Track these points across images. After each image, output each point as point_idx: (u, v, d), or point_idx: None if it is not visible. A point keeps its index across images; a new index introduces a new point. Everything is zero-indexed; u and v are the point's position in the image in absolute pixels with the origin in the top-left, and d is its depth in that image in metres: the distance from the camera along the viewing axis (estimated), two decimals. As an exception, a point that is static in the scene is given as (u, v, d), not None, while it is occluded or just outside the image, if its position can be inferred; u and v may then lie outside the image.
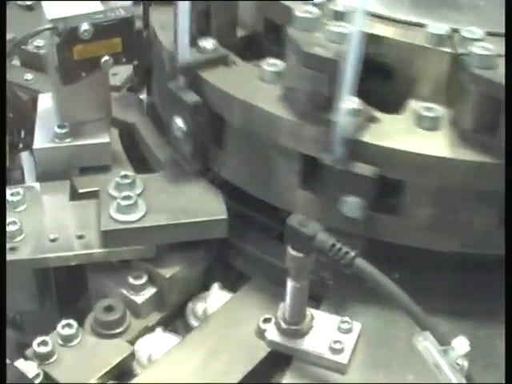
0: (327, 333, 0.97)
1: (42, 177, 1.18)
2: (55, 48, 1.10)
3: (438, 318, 0.91)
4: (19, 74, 1.41)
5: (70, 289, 1.16)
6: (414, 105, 1.00)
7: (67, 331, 1.00)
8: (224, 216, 1.06)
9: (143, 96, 1.36)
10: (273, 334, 0.97)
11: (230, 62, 1.08)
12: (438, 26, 1.01)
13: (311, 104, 0.97)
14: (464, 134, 0.96)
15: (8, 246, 1.06)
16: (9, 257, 1.05)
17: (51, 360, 0.99)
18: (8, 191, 1.13)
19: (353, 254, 0.86)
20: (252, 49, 1.16)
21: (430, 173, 0.95)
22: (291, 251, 0.89)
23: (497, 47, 0.95)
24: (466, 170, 0.94)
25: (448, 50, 0.99)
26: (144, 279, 1.07)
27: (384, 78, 1.05)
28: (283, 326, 0.96)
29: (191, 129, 1.06)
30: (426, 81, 1.02)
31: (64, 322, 1.01)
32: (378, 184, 0.96)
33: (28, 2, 1.76)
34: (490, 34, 1.00)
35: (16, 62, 1.49)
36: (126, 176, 1.09)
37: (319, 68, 0.94)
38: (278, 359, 1.00)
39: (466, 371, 0.81)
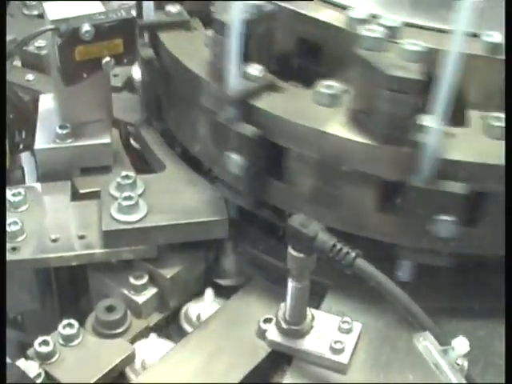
0: (328, 333, 0.97)
1: (43, 177, 1.19)
2: (57, 49, 1.10)
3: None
4: (20, 75, 1.41)
5: (70, 288, 1.17)
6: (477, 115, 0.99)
7: (68, 331, 1.00)
8: (225, 216, 1.06)
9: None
10: (273, 334, 0.97)
11: (279, 87, 1.03)
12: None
13: (390, 126, 0.93)
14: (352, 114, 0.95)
15: (9, 245, 1.07)
16: (10, 257, 1.05)
17: (52, 360, 0.99)
18: (9, 191, 1.14)
19: (353, 254, 0.86)
20: (287, 70, 1.10)
21: None
22: (292, 251, 0.89)
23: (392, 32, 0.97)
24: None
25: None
26: (145, 279, 1.07)
27: (312, 57, 1.07)
28: (284, 326, 0.96)
29: (250, 163, 1.00)
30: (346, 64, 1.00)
31: (65, 321, 1.01)
32: (467, 199, 0.93)
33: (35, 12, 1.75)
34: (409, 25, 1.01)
35: (17, 62, 1.48)
36: (127, 176, 1.09)
37: (404, 89, 0.90)
38: (279, 359, 1.00)
39: (465, 371, 0.82)
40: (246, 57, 0.99)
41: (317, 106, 0.99)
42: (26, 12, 1.80)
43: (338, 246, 0.87)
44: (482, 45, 0.99)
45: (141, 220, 1.05)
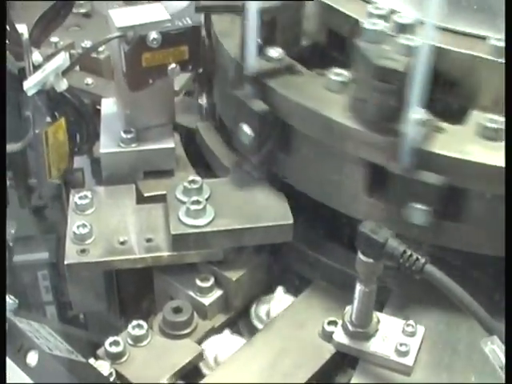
0: (392, 335, 0.99)
1: (107, 180, 1.21)
2: (123, 55, 1.12)
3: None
4: (79, 79, 1.44)
5: (133, 289, 1.19)
6: (477, 116, 1.02)
7: (138, 332, 1.03)
8: (290, 221, 1.09)
9: (202, 101, 1.38)
10: (340, 336, 1.00)
11: (296, 71, 1.10)
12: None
13: (379, 114, 0.99)
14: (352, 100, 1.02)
15: (78, 248, 1.09)
16: (79, 259, 1.08)
17: (122, 360, 1.01)
18: (76, 195, 1.16)
19: (423, 260, 0.88)
20: (315, 58, 1.18)
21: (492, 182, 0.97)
22: (362, 257, 0.92)
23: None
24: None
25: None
26: (211, 281, 1.09)
27: (446, 89, 1.07)
28: (350, 328, 0.99)
29: (259, 136, 1.08)
30: (486, 92, 1.04)
31: (135, 322, 1.04)
32: (443, 192, 0.97)
33: (82, 10, 1.79)
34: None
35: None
36: (193, 181, 1.12)
37: (389, 80, 0.95)
38: (342, 361, 1.02)
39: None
40: (272, 41, 1.11)
41: (325, 90, 1.06)
42: (74, 10, 1.82)
43: (408, 252, 0.89)
44: (490, 48, 1.03)
45: (208, 224, 1.07)
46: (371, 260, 0.91)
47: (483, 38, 1.05)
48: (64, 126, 1.21)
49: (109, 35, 1.15)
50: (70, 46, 1.50)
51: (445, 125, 1.01)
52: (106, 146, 1.20)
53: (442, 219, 1.00)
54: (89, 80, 1.44)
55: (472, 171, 0.96)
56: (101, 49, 1.48)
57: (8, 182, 1.32)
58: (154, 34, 1.10)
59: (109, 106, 1.29)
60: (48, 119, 1.20)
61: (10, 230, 1.34)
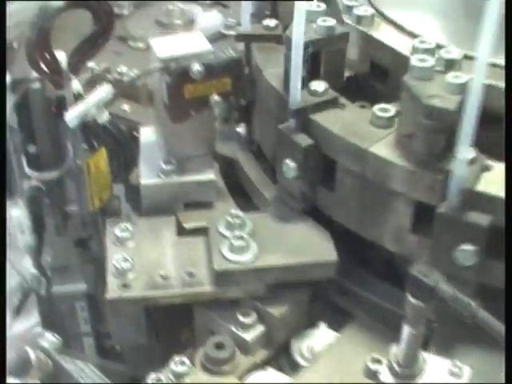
0: (439, 376, 0.97)
1: (147, 211, 1.20)
2: (165, 87, 1.11)
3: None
4: (116, 105, 1.42)
5: (173, 322, 1.18)
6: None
7: (180, 368, 1.02)
8: (334, 258, 1.07)
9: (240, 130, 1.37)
10: (386, 376, 0.98)
11: (340, 104, 1.09)
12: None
13: (428, 152, 0.98)
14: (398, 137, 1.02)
15: (120, 282, 1.08)
16: (121, 294, 1.07)
17: (166, 396, 1.00)
18: (116, 227, 1.15)
19: (475, 305, 0.87)
20: (357, 89, 1.18)
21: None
22: (411, 299, 0.90)
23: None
24: None
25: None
26: (253, 317, 1.08)
27: (492, 126, 1.04)
28: (397, 369, 0.97)
29: (302, 170, 1.08)
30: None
31: (177, 358, 1.02)
32: (489, 232, 0.96)
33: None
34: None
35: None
36: (236, 216, 1.10)
37: (439, 119, 0.95)
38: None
39: None
40: (315, 74, 1.10)
41: (370, 126, 1.05)
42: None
43: (459, 296, 0.87)
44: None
45: (252, 260, 1.06)
46: (420, 303, 0.90)
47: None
48: (105, 155, 1.20)
49: (150, 65, 1.14)
50: (106, 71, 1.49)
51: (492, 162, 1.00)
52: (146, 176, 1.19)
53: (488, 259, 0.99)
54: (125, 106, 1.42)
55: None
56: (137, 75, 1.47)
57: (45, 210, 1.31)
58: (196, 66, 1.09)
59: (148, 135, 1.28)
60: (87, 148, 1.19)
61: (47, 258, 1.34)
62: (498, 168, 0.99)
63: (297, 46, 1.03)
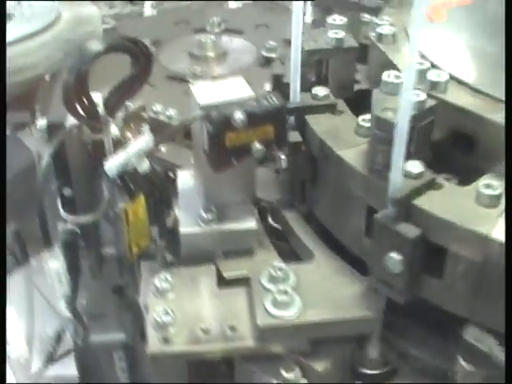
0: None
1: (187, 260, 1.17)
2: (206, 134, 1.09)
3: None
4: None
5: (213, 374, 1.15)
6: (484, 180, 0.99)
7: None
8: (379, 313, 1.05)
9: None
10: None
11: (437, 184, 1.01)
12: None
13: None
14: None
15: (161, 336, 1.06)
16: (163, 348, 1.05)
17: None
18: (156, 277, 1.13)
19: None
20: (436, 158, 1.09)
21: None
22: (463, 363, 0.88)
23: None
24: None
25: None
26: (296, 372, 1.06)
27: (466, 150, 1.08)
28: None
29: (409, 263, 0.98)
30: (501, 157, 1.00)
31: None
32: (420, 245, 0.96)
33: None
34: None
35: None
36: (279, 268, 1.08)
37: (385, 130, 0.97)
38: None
39: None
40: (406, 154, 0.98)
41: (477, 206, 0.97)
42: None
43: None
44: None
45: (296, 315, 1.03)
46: (472, 367, 0.87)
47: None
48: (143, 202, 1.18)
49: (192, 113, 1.11)
50: (141, 109, 1.47)
51: (446, 183, 1.00)
52: (185, 224, 1.17)
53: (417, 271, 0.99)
54: (161, 147, 1.40)
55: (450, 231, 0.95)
56: (173, 114, 1.45)
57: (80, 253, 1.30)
58: (239, 115, 1.06)
59: (186, 180, 1.25)
60: (125, 195, 1.16)
61: (82, 302, 1.32)
62: (449, 189, 1.00)
63: (401, 127, 0.94)
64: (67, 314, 1.31)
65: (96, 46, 1.11)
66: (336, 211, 1.15)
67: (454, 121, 1.10)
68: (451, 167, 1.09)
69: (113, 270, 1.31)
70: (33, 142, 1.82)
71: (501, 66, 1.10)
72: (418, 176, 0.99)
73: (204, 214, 1.17)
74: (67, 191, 1.26)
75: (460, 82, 1.14)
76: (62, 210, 1.28)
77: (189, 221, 1.18)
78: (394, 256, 0.98)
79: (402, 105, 0.93)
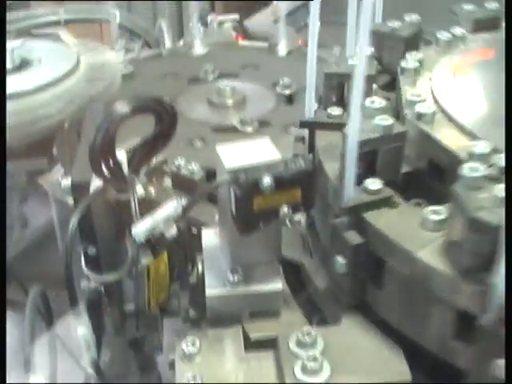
0: None
1: (213, 322, 1.17)
2: (233, 199, 1.09)
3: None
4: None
5: None
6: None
7: None
8: (407, 378, 1.04)
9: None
10: None
11: (394, 203, 1.10)
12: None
13: (469, 263, 0.97)
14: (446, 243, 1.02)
15: (190, 400, 1.05)
16: (192, 415, 1.04)
17: None
18: (183, 341, 1.12)
19: None
20: (413, 185, 1.19)
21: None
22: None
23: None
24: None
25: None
26: None
27: (440, 179, 1.14)
28: None
29: (351, 267, 1.09)
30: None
31: None
32: (362, 253, 1.08)
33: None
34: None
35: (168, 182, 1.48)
36: (308, 333, 1.07)
37: (483, 232, 0.94)
38: None
39: None
40: (371, 171, 1.12)
41: (420, 228, 1.05)
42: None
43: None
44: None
45: (326, 381, 1.02)
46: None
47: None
48: (165, 259, 1.18)
49: (219, 177, 1.12)
50: (163, 163, 1.47)
51: (402, 203, 1.10)
52: (211, 286, 1.16)
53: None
54: (183, 201, 1.39)
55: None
56: (195, 168, 1.45)
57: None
58: (266, 179, 1.06)
59: (210, 239, 1.25)
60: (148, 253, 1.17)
61: (104, 358, 1.32)
62: (402, 209, 1.10)
63: (352, 143, 1.06)
64: (91, 370, 1.30)
65: (123, 107, 1.12)
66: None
67: (431, 152, 1.17)
68: (424, 193, 1.16)
69: (132, 326, 1.31)
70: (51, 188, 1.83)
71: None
72: (374, 192, 1.09)
73: (230, 276, 1.16)
74: (91, 250, 1.26)
75: (449, 118, 1.19)
76: (85, 268, 1.28)
77: (214, 282, 1.18)
78: (340, 259, 1.09)
79: (351, 123, 1.05)
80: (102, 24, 2.66)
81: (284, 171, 1.09)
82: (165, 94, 1.73)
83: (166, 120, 1.20)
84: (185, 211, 1.11)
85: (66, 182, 1.25)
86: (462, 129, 1.17)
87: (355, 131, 1.06)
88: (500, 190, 0.97)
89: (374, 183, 1.11)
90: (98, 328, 1.31)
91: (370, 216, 1.09)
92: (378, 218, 1.08)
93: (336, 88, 1.32)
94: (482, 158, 1.06)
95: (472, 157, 1.07)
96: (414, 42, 1.45)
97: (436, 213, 1.05)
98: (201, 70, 2.10)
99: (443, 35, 1.46)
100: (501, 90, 1.16)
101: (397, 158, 1.16)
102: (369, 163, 1.14)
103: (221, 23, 2.42)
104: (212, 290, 1.17)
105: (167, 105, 1.20)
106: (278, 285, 1.17)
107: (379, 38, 1.44)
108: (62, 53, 1.93)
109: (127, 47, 2.31)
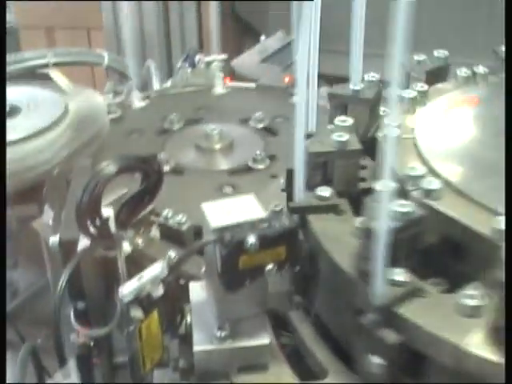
0: None
1: (201, 376, 1.18)
2: (219, 257, 1.10)
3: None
4: (161, 250, 1.42)
5: None
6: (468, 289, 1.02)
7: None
8: None
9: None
10: None
11: (423, 292, 1.05)
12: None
13: None
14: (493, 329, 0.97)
15: None
16: None
17: None
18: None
19: None
20: (428, 263, 1.13)
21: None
22: None
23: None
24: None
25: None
26: None
27: (456, 256, 1.11)
28: None
29: (389, 366, 1.02)
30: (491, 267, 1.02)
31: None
32: (400, 351, 1.00)
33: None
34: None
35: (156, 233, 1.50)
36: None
37: None
38: None
39: None
40: (392, 261, 1.03)
41: (457, 316, 1.00)
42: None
43: None
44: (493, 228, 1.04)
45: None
46: None
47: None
48: (157, 317, 1.19)
49: (205, 235, 1.13)
50: (152, 213, 1.49)
51: (432, 290, 1.04)
52: (199, 342, 1.18)
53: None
54: (172, 253, 1.40)
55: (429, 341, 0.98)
56: (183, 219, 1.47)
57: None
58: (251, 239, 1.07)
59: (198, 292, 1.26)
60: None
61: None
62: (432, 298, 1.04)
63: (381, 236, 1.00)
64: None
65: (109, 168, 1.14)
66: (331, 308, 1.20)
67: (444, 228, 1.13)
68: (441, 271, 1.13)
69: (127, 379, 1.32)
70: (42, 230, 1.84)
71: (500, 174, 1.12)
72: (403, 284, 1.04)
73: (217, 332, 1.17)
74: (80, 304, 1.27)
75: (454, 190, 1.16)
76: (74, 323, 1.29)
77: (202, 338, 1.19)
78: (373, 359, 1.02)
79: (382, 214, 0.99)
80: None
81: (268, 230, 1.10)
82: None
83: (152, 177, 1.22)
84: (171, 271, 1.12)
85: (55, 239, 1.26)
86: (472, 200, 1.14)
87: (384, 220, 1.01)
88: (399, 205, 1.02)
89: (400, 274, 1.05)
90: (88, 382, 1.31)
91: (404, 310, 1.03)
92: (412, 312, 1.02)
93: (321, 167, 1.29)
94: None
95: (495, 233, 1.04)
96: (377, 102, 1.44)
97: (471, 297, 1.00)
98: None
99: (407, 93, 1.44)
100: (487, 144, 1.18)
101: (415, 242, 1.09)
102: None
103: (208, 63, 2.45)
104: (199, 346, 1.18)
105: (153, 163, 1.22)
106: (265, 339, 1.18)
107: (341, 101, 1.42)
108: (51, 99, 1.95)
109: (115, 90, 2.33)
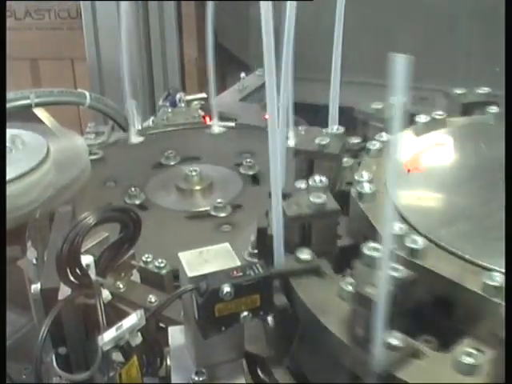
0: None
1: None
2: (196, 305, 1.14)
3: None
4: (142, 295, 1.44)
5: None
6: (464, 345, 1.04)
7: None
8: None
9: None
10: None
11: (420, 353, 1.05)
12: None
13: None
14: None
15: None
16: None
17: None
18: None
19: None
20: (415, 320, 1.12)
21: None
22: None
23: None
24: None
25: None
26: None
27: (445, 313, 1.11)
28: None
29: None
30: (481, 324, 1.05)
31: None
32: None
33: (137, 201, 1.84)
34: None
35: (136, 277, 1.53)
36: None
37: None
38: None
39: None
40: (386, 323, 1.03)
41: (456, 374, 1.01)
42: (128, 201, 1.89)
43: None
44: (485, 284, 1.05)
45: None
46: None
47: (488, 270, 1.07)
48: (136, 362, 1.23)
49: (181, 288, 1.17)
50: (131, 258, 1.52)
51: (429, 351, 1.04)
52: (178, 387, 1.21)
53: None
54: (152, 297, 1.43)
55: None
56: (162, 264, 1.50)
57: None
58: (226, 288, 1.11)
59: (176, 336, 1.30)
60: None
61: None
62: (429, 358, 1.04)
63: (381, 300, 1.00)
64: None
65: (89, 219, 1.19)
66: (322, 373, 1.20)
67: (432, 285, 1.13)
68: (431, 328, 1.12)
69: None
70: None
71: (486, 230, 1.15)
72: (400, 349, 1.03)
73: (195, 377, 1.21)
74: (62, 350, 1.30)
75: (439, 247, 1.16)
76: (56, 368, 1.32)
77: (180, 381, 1.22)
78: None
79: (381, 280, 0.99)
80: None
81: (243, 279, 1.14)
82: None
83: (130, 227, 1.26)
84: (149, 319, 1.16)
85: (36, 287, 1.29)
86: (456, 255, 1.14)
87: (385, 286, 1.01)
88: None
89: (396, 338, 1.04)
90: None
91: (402, 374, 1.02)
92: (411, 376, 1.02)
93: (297, 228, 1.26)
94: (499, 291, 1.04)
95: (487, 289, 1.05)
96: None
97: (469, 355, 1.01)
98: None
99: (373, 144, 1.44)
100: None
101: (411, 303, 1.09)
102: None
103: (189, 102, 2.49)
104: (178, 392, 1.21)
105: (131, 213, 1.25)
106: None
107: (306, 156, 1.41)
108: (33, 141, 1.97)
109: (97, 131, 2.36)
